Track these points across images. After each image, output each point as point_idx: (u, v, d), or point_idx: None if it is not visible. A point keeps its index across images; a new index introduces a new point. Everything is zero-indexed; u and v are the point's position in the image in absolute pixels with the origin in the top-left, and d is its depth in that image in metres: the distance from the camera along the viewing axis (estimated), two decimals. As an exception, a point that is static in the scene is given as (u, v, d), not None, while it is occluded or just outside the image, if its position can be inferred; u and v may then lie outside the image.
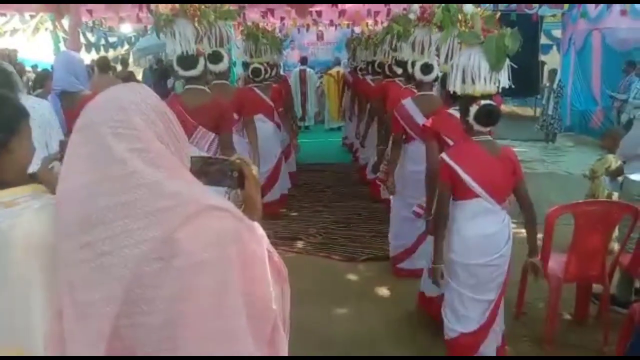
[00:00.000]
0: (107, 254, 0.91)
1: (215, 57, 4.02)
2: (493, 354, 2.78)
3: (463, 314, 2.66)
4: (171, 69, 8.51)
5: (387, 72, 5.69)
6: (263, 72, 5.50)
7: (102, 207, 0.92)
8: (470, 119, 2.58)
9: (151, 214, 0.92)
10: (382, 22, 8.63)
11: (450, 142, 3.06)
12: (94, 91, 4.03)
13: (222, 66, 4.15)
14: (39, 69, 10.28)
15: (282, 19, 9.81)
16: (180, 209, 0.95)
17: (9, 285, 1.10)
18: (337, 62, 12.23)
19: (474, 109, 2.56)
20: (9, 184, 1.18)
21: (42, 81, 6.66)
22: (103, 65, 6.42)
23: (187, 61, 3.36)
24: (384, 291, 3.90)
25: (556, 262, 3.13)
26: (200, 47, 3.44)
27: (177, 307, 0.93)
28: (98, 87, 5.51)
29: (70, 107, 3.25)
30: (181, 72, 3.41)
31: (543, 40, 12.06)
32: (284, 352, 1.14)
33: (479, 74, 2.60)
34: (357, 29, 10.52)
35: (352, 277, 4.19)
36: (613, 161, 4.20)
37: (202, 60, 3.39)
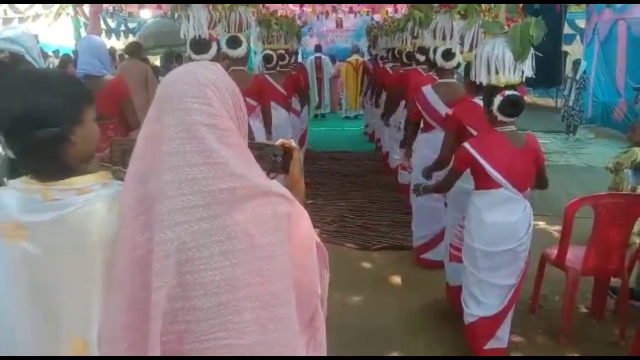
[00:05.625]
0: (165, 228, 0.91)
1: (233, 42, 3.97)
2: (507, 337, 2.79)
3: (482, 301, 2.68)
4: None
5: (405, 60, 5.64)
6: (276, 58, 5.46)
7: (166, 182, 0.92)
8: (495, 109, 2.57)
9: (213, 193, 0.93)
10: (402, 10, 8.53)
11: (474, 133, 3.02)
12: (120, 75, 4.04)
13: (240, 51, 4.04)
14: (61, 54, 10.39)
15: (301, 5, 9.76)
16: (242, 192, 0.95)
17: (81, 273, 1.04)
18: (356, 50, 12.11)
19: (498, 99, 2.55)
20: (79, 171, 1.10)
21: (64, 65, 6.76)
22: (134, 50, 6.45)
23: (200, 45, 3.34)
24: (398, 280, 3.91)
25: (574, 255, 3.10)
26: (214, 32, 3.42)
27: (233, 290, 0.94)
28: (127, 71, 5.54)
29: (94, 91, 3.28)
30: (193, 56, 3.37)
31: (566, 30, 11.78)
32: (322, 332, 1.17)
33: (503, 64, 2.57)
34: (377, 17, 10.40)
35: (366, 265, 4.20)
36: (639, 154, 4.11)
37: (214, 46, 3.37)
